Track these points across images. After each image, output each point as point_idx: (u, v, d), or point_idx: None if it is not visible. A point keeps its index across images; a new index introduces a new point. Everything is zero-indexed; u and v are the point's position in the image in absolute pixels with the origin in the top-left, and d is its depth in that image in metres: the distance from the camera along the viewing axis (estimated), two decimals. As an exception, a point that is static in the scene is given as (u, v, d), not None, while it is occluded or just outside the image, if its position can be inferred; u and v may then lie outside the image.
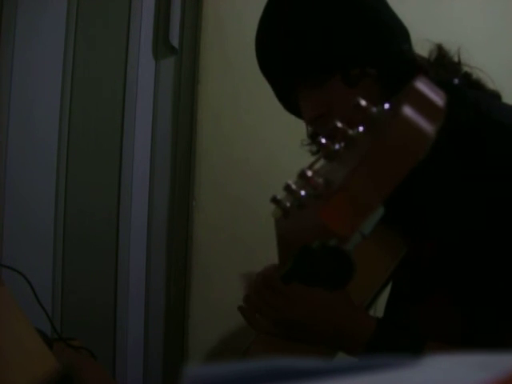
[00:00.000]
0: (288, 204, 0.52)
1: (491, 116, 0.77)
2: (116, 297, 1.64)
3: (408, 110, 0.43)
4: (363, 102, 0.47)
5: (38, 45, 1.53)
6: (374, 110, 0.47)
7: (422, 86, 0.44)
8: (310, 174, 0.49)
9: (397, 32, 0.81)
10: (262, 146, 1.70)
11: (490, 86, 0.83)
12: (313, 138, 0.87)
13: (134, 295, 1.66)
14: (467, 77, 0.81)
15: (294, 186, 0.50)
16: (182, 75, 1.70)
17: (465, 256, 0.75)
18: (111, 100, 1.63)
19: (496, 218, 0.72)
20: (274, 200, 0.53)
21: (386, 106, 0.46)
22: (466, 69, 0.81)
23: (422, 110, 0.43)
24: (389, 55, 0.78)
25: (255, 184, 1.67)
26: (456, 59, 0.81)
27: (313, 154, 0.88)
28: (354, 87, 0.78)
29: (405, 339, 0.73)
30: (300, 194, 0.50)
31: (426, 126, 0.43)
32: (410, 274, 0.84)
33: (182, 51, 1.69)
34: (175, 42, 1.66)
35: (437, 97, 0.44)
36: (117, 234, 1.64)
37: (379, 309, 0.90)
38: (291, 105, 0.87)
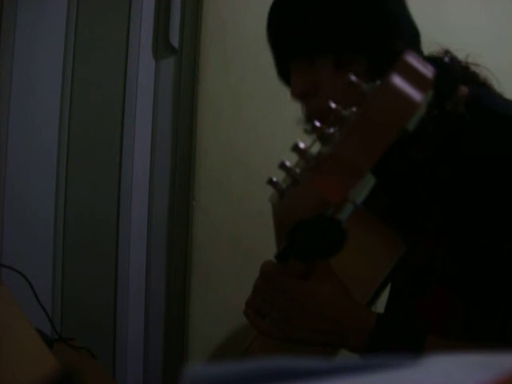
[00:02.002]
0: (284, 185, 0.53)
1: (491, 108, 0.77)
2: (116, 297, 1.64)
3: (396, 78, 0.45)
4: (354, 78, 0.49)
5: (38, 45, 1.53)
6: (366, 86, 0.48)
7: (411, 58, 0.46)
8: (302, 145, 0.50)
9: (401, 30, 0.82)
10: (262, 146, 1.70)
11: (496, 87, 0.84)
12: (308, 117, 0.88)
13: (134, 295, 1.66)
14: (474, 77, 0.82)
15: (288, 163, 0.52)
16: (181, 75, 1.70)
17: (467, 250, 0.76)
18: (111, 100, 1.63)
19: (497, 211, 0.72)
20: (271, 182, 0.54)
21: (378, 82, 0.47)
22: (473, 68, 0.82)
23: (409, 78, 0.45)
24: (383, 50, 0.79)
25: (255, 184, 1.67)
26: (463, 63, 0.82)
27: (307, 132, 0.90)
28: (342, 71, 0.79)
29: (405, 334, 0.73)
30: (294, 170, 0.51)
31: (414, 93, 0.44)
32: (409, 270, 0.85)
33: (182, 51, 1.69)
34: (175, 41, 1.66)
35: (425, 69, 0.45)
36: (117, 234, 1.64)
37: (379, 310, 0.90)
38: (284, 74, 0.89)
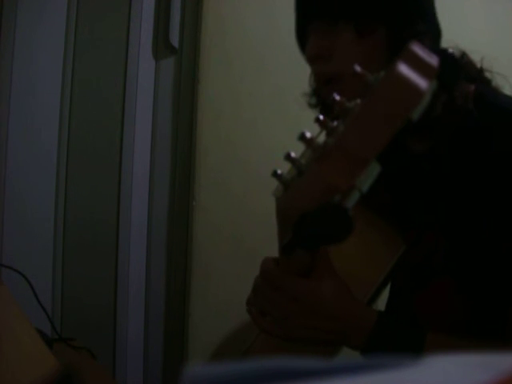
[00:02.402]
0: (289, 177, 0.54)
1: (496, 104, 0.78)
2: (116, 297, 1.64)
3: (402, 66, 0.45)
4: (359, 69, 0.50)
5: (38, 45, 1.53)
6: (371, 77, 0.49)
7: (416, 47, 0.47)
8: (309, 135, 0.50)
9: (425, 19, 0.83)
10: (262, 145, 1.70)
11: (508, 91, 0.85)
12: (315, 91, 0.88)
13: (134, 295, 1.66)
14: (486, 82, 0.82)
15: (293, 155, 0.52)
16: (181, 75, 1.70)
17: (467, 246, 0.76)
18: (111, 100, 1.63)
19: (498, 209, 0.72)
20: (275, 175, 0.54)
21: (382, 72, 0.48)
22: (487, 75, 0.83)
23: (415, 67, 0.46)
24: (405, 26, 0.80)
25: (255, 184, 1.67)
26: (478, 66, 0.83)
27: (311, 106, 0.90)
28: (361, 40, 0.80)
29: (405, 332, 0.73)
30: (300, 161, 0.52)
31: (419, 80, 0.45)
32: (409, 266, 0.85)
33: (182, 51, 1.69)
34: (175, 41, 1.66)
35: (430, 58, 0.47)
36: (117, 234, 1.64)
37: (380, 308, 0.90)
38: (302, 37, 0.89)
